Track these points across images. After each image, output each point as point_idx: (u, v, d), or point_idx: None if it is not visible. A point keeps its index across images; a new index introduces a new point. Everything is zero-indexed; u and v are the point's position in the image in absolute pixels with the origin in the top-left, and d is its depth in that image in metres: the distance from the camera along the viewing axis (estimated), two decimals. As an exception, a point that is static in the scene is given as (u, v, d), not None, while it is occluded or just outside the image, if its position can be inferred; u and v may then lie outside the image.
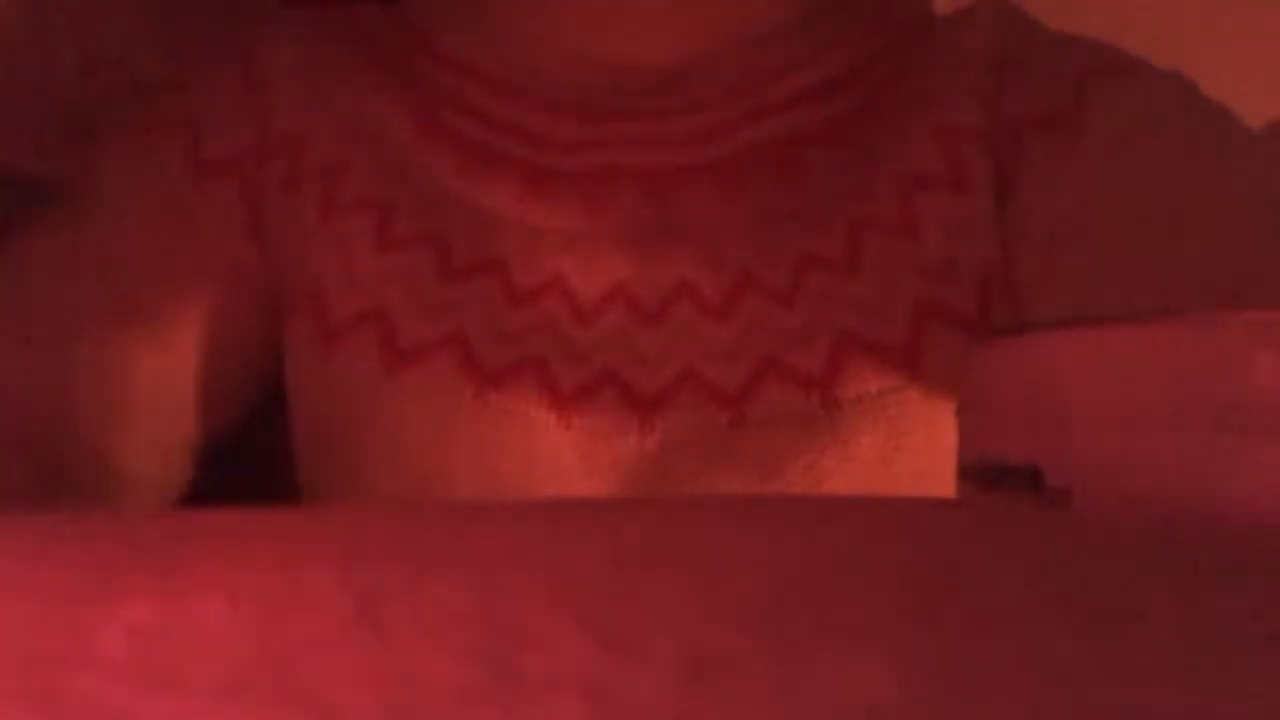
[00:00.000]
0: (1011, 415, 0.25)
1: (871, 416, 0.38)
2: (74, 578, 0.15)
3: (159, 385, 0.41)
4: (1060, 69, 0.42)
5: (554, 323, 0.38)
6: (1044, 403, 0.24)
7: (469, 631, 0.13)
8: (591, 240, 0.39)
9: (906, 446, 0.38)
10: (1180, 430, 0.21)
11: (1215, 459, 0.21)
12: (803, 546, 0.17)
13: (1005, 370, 0.25)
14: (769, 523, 0.19)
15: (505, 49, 0.42)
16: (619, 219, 0.40)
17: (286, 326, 0.41)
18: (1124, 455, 0.22)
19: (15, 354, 0.41)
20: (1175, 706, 0.11)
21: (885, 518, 0.20)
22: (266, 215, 0.41)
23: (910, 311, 0.39)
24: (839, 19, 0.44)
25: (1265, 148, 0.39)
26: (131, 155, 0.43)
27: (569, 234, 0.40)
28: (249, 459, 0.46)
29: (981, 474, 0.29)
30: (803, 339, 0.39)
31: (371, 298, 0.39)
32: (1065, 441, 0.23)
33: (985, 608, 0.14)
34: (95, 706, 0.11)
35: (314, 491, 0.41)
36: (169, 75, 0.47)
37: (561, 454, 0.37)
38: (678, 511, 0.20)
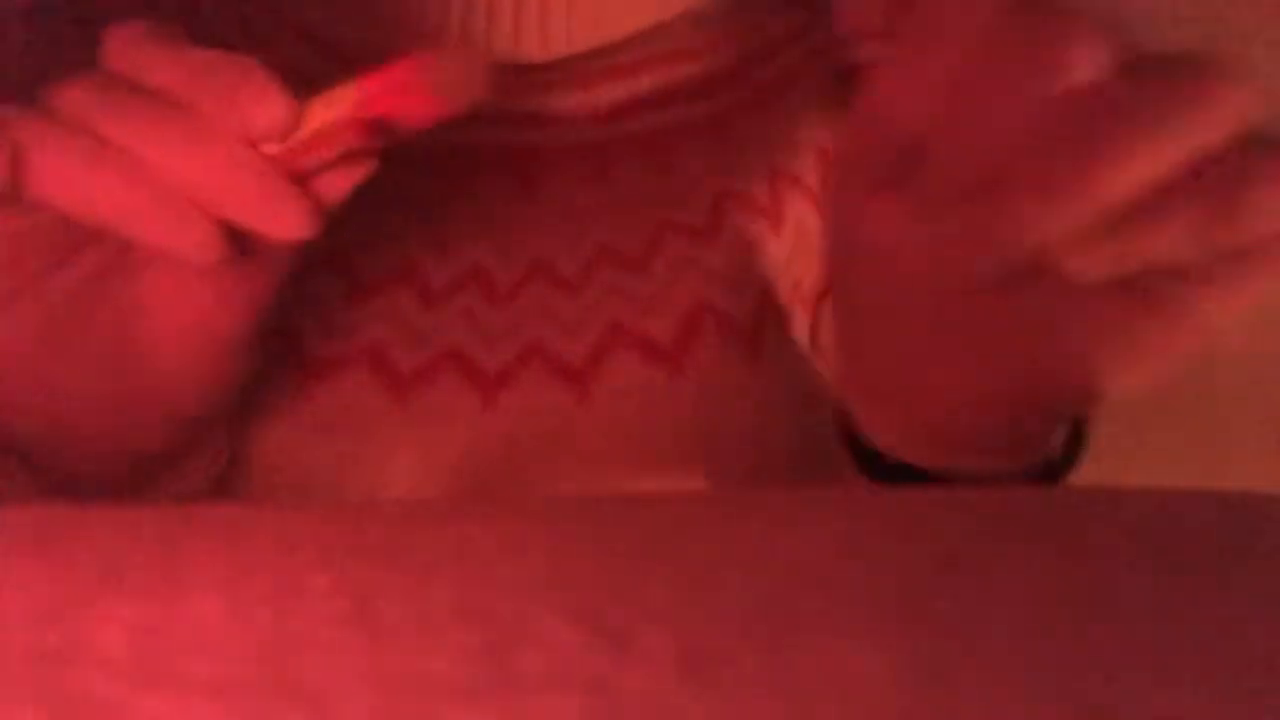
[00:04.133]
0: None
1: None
2: (73, 575, 0.15)
3: None
4: None
5: (398, 309, 0.38)
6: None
7: (467, 630, 0.13)
8: (446, 222, 0.39)
9: None
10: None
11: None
12: (796, 541, 0.17)
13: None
14: (762, 518, 0.19)
15: (381, 34, 0.41)
16: (477, 198, 0.39)
17: None
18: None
19: None
20: (1165, 702, 0.11)
21: (878, 510, 0.20)
22: None
23: (758, 287, 0.39)
24: (730, 16, 0.44)
25: None
26: None
27: (425, 215, 0.39)
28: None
29: None
30: (652, 309, 0.38)
31: None
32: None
33: (977, 599, 0.14)
34: (94, 703, 0.11)
35: None
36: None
37: (397, 439, 0.36)
38: (673, 509, 0.20)
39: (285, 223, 0.26)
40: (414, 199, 0.39)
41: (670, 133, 0.41)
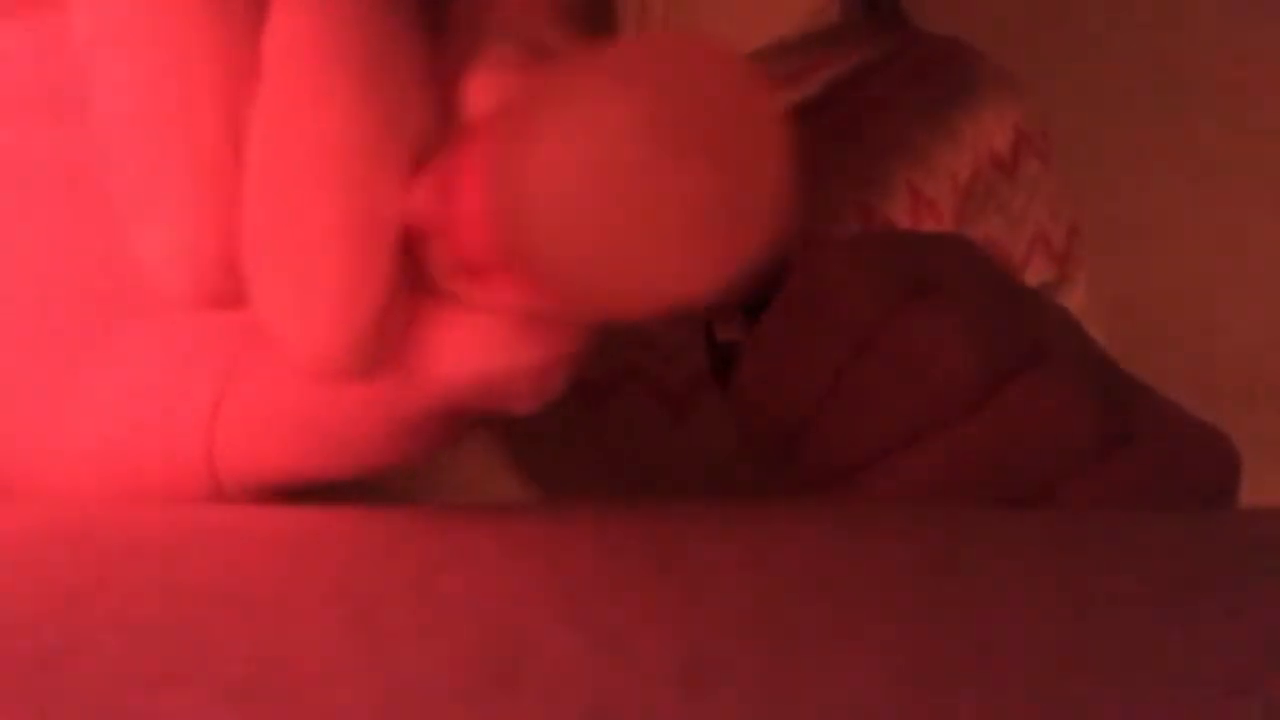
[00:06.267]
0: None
1: None
2: (74, 575, 0.15)
3: None
4: None
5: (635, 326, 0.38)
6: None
7: (468, 635, 0.13)
8: None
9: None
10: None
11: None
12: (799, 549, 0.17)
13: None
14: (765, 525, 0.19)
15: None
16: None
17: None
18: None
19: None
20: (1168, 706, 0.11)
21: (879, 516, 0.20)
22: None
23: None
24: (819, 45, 0.44)
25: None
26: None
27: None
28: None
29: None
30: None
31: None
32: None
33: (981, 608, 0.14)
34: (94, 707, 0.11)
35: None
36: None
37: (679, 454, 0.36)
38: (675, 514, 0.20)
39: None
40: None
41: None
